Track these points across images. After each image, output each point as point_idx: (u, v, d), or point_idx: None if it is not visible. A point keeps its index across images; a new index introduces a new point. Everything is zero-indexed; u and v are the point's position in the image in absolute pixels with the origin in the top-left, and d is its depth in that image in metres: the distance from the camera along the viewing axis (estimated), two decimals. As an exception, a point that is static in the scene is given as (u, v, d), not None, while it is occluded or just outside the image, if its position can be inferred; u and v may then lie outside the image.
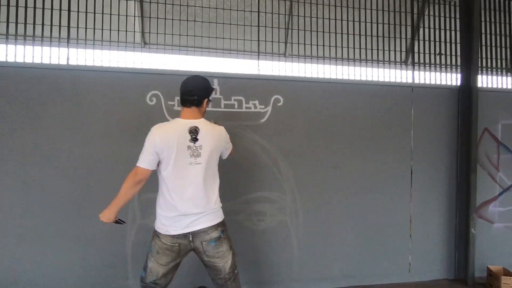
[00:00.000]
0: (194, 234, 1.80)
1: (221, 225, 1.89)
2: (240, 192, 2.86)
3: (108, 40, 2.84)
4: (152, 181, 2.66)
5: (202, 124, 1.84)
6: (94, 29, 2.76)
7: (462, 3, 3.20)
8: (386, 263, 3.13)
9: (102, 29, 2.77)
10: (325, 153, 3.01)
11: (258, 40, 3.04)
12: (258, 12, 3.02)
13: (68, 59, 2.68)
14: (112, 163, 2.65)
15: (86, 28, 2.73)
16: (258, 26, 3.00)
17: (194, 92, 1.83)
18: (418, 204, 3.17)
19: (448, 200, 3.23)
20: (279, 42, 3.13)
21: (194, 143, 1.79)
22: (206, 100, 1.90)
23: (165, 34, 2.97)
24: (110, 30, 2.82)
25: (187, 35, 2.93)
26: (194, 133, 1.79)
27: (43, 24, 2.66)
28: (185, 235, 1.80)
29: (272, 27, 3.04)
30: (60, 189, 2.59)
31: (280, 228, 2.93)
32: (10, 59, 2.60)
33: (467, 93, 3.13)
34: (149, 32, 3.05)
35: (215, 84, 2.81)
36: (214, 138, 1.86)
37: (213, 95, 2.80)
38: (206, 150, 1.81)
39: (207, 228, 1.82)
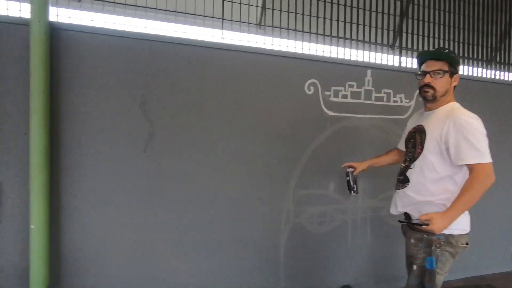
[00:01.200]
0: None
1: None
2: (383, 188, 2.78)
3: (230, 19, 2.53)
4: (306, 177, 2.50)
5: None
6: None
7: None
8: (493, 253, 3.30)
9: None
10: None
11: (401, 32, 2.91)
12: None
13: (222, 38, 2.33)
14: (270, 161, 2.40)
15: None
16: (407, 17, 2.87)
17: None
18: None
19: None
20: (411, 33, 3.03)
21: None
22: None
23: (288, 12, 2.68)
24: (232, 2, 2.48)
25: (310, 15, 2.66)
26: None
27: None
28: None
29: (423, 20, 2.91)
30: (214, 188, 2.29)
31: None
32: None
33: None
34: (272, 8, 2.70)
35: (368, 75, 2.66)
36: None
37: (366, 87, 2.67)
38: None
39: None
